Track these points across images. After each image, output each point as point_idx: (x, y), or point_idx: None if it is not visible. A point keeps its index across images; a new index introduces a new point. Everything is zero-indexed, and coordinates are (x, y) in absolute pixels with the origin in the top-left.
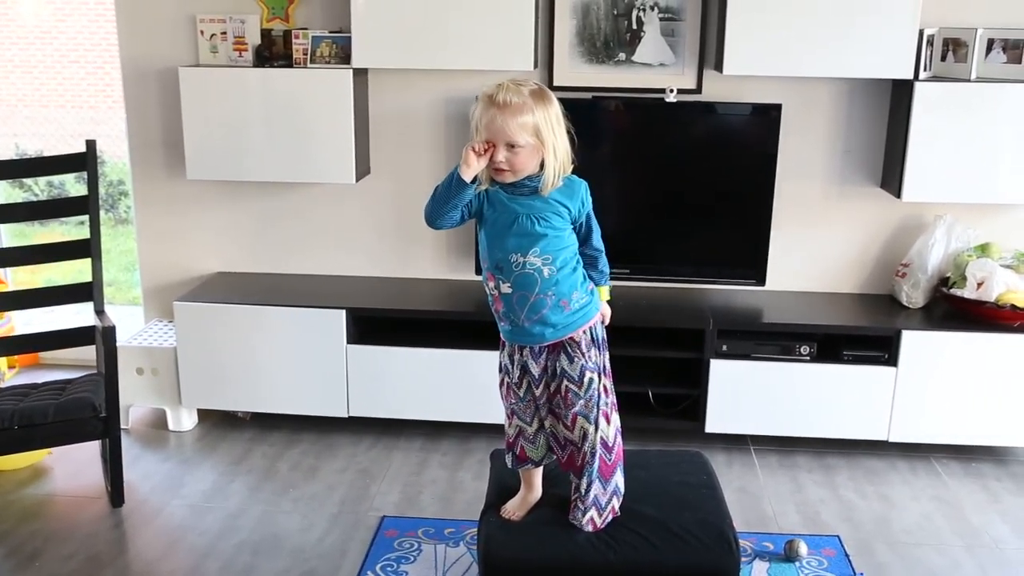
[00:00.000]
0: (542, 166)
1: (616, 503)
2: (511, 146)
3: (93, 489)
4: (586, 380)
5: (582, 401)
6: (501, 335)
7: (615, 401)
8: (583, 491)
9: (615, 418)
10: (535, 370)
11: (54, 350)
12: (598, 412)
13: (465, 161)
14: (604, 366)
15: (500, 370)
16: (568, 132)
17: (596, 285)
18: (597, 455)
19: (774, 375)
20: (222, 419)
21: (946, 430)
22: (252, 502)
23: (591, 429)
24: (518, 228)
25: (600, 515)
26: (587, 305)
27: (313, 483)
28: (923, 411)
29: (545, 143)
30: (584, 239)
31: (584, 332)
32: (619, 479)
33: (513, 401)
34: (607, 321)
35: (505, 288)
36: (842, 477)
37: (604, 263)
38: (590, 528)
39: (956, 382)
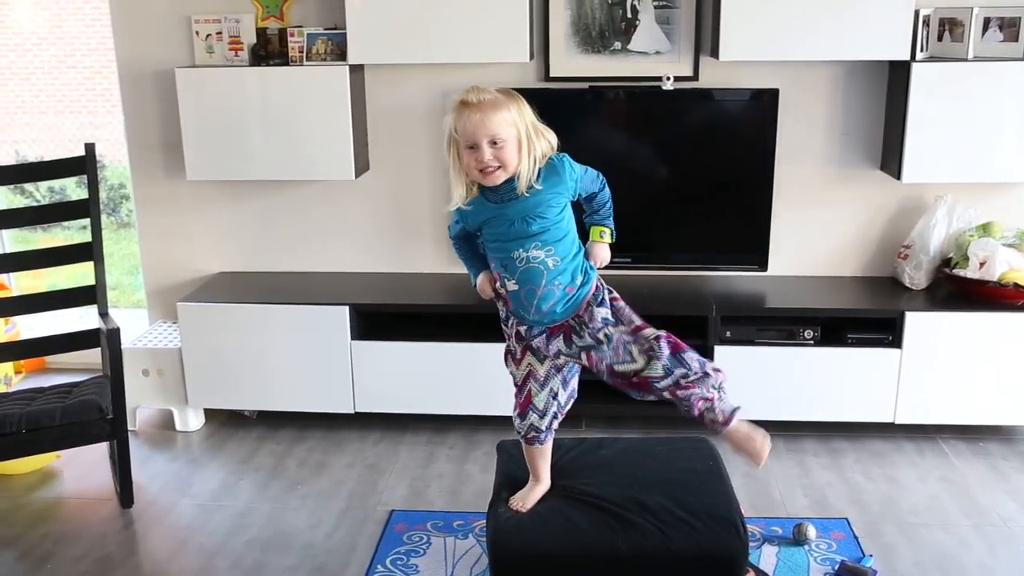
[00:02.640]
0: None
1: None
2: (494, 143)
3: (102, 491)
4: (601, 336)
5: (609, 352)
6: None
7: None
8: (688, 372)
9: (635, 317)
10: (545, 351)
11: (60, 354)
12: (627, 345)
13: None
14: (606, 319)
15: (508, 336)
16: (544, 124)
17: (592, 226)
18: (662, 345)
19: (778, 360)
20: (229, 418)
21: (952, 411)
22: (261, 500)
23: (634, 362)
24: (514, 232)
25: (719, 392)
26: (587, 282)
27: (321, 479)
28: (928, 392)
29: (523, 134)
30: (585, 193)
31: (587, 303)
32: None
33: (530, 364)
34: (599, 263)
35: (511, 286)
36: (849, 460)
37: (602, 200)
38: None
39: (961, 362)
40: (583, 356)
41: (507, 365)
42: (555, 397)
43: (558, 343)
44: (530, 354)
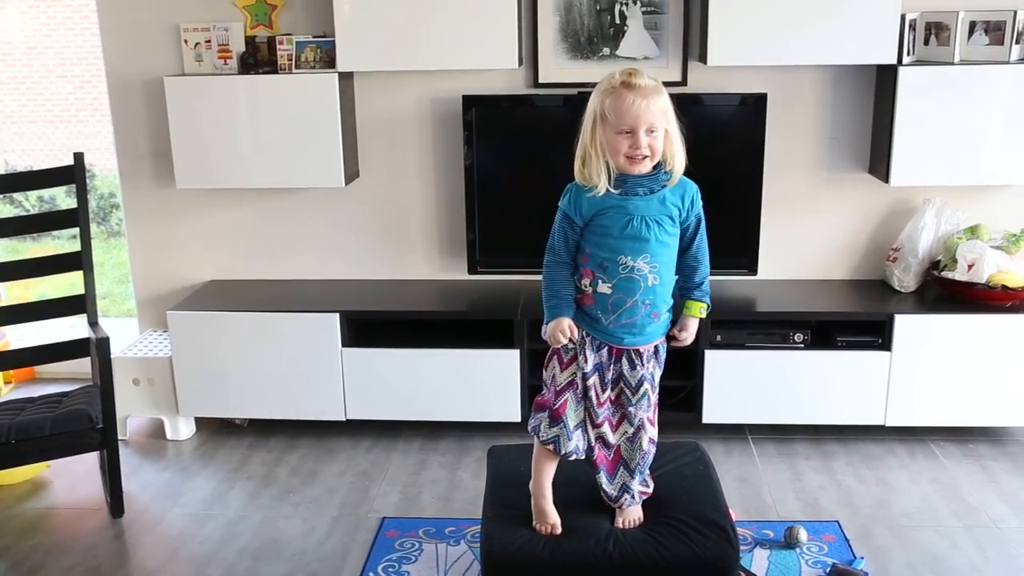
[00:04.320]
0: (656, 167)
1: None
2: (650, 131)
3: (92, 501)
4: (641, 390)
5: (632, 407)
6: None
7: (656, 403)
8: (631, 482)
9: (655, 419)
10: (590, 362)
11: (49, 363)
12: (643, 417)
13: (554, 338)
14: (654, 376)
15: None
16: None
17: (689, 300)
18: (648, 452)
19: (769, 364)
20: (220, 427)
21: (942, 412)
22: (252, 508)
23: (631, 430)
24: (632, 231)
25: (647, 484)
26: (667, 321)
27: (313, 487)
28: (918, 394)
29: (671, 127)
30: (686, 246)
31: (655, 346)
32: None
33: (574, 374)
34: (688, 339)
35: (603, 288)
36: (840, 463)
37: (703, 275)
38: (644, 497)
39: (950, 364)
40: (613, 391)
41: (545, 368)
42: (585, 428)
43: (603, 355)
44: (577, 365)
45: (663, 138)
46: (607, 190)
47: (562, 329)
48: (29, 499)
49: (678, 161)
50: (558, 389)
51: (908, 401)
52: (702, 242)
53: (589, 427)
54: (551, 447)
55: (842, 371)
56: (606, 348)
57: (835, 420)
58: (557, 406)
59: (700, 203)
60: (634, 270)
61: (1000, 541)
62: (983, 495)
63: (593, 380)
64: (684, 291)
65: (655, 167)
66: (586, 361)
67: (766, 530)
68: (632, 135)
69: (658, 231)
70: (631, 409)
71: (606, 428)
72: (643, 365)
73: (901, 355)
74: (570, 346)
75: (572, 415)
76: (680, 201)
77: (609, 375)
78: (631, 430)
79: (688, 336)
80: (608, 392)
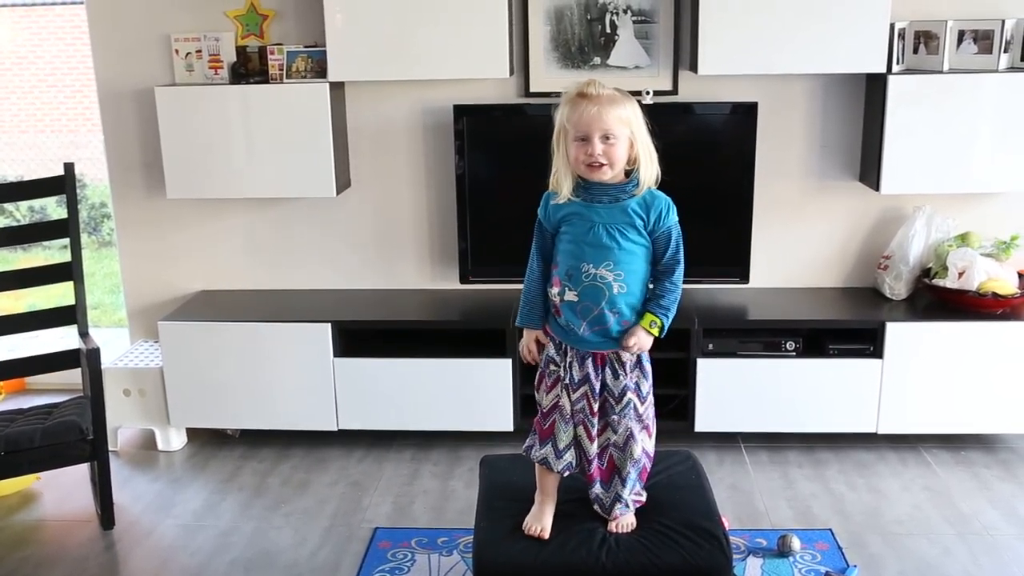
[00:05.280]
0: (627, 174)
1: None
2: (606, 138)
3: (83, 512)
4: (624, 400)
5: (615, 416)
6: (549, 330)
7: (654, 414)
8: (623, 491)
9: (653, 431)
10: (576, 375)
11: (40, 374)
12: (632, 426)
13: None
14: (639, 386)
15: (544, 363)
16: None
17: (645, 311)
18: (640, 461)
19: (761, 372)
20: (211, 437)
21: (934, 420)
22: (244, 519)
23: (616, 438)
24: (593, 238)
25: (640, 493)
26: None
27: (304, 497)
28: (910, 402)
29: (637, 137)
30: (657, 258)
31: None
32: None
33: (558, 395)
34: (631, 349)
35: (570, 296)
36: (832, 471)
37: (666, 289)
38: (637, 505)
39: (942, 372)
40: (598, 399)
41: (536, 391)
42: (578, 444)
43: (588, 366)
44: (560, 386)
45: (625, 147)
46: (569, 199)
47: (528, 347)
48: (19, 511)
49: (644, 171)
50: (544, 411)
51: (900, 409)
52: (673, 257)
53: (585, 441)
54: (544, 466)
55: (834, 379)
56: (591, 358)
57: (827, 428)
58: (545, 427)
59: (673, 217)
60: (597, 278)
61: (993, 548)
62: (975, 502)
63: (583, 392)
64: (646, 302)
65: (628, 176)
66: (572, 377)
67: (759, 538)
68: (587, 142)
69: (621, 240)
70: (614, 417)
71: (597, 439)
72: (626, 375)
73: (892, 363)
74: (553, 368)
75: (562, 436)
76: (645, 212)
77: (597, 385)
78: (615, 438)
79: (631, 345)
80: (598, 402)
